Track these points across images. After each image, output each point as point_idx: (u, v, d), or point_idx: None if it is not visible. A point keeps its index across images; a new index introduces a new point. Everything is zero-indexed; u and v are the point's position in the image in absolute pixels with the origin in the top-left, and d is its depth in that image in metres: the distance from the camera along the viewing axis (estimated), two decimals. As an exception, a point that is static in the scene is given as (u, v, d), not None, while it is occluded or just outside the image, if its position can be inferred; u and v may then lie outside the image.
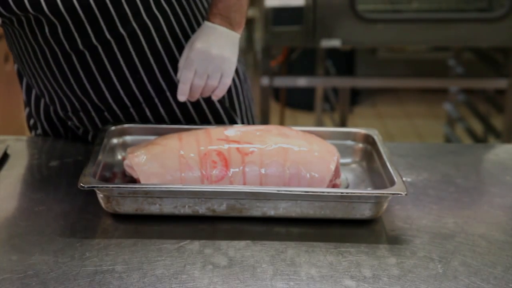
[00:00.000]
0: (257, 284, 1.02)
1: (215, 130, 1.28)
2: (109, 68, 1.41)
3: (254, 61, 4.37)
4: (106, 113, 1.47)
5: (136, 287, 1.00)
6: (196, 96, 1.38)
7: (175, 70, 1.42)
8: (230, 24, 1.38)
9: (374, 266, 1.07)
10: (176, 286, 1.01)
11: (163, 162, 1.21)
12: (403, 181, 1.19)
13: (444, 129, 4.00)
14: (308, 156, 1.23)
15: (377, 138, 1.37)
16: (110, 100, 1.44)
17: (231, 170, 1.20)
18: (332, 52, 3.89)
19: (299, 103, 4.54)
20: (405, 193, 1.15)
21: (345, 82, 3.55)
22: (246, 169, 1.20)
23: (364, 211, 1.18)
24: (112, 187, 1.17)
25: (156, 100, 1.46)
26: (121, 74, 1.41)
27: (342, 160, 1.34)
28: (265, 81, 2.96)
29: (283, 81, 3.18)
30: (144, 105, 1.46)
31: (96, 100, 1.44)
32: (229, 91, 1.51)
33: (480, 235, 1.17)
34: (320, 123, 3.88)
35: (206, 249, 1.10)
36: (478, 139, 3.61)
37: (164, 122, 1.47)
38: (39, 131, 1.60)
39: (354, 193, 1.20)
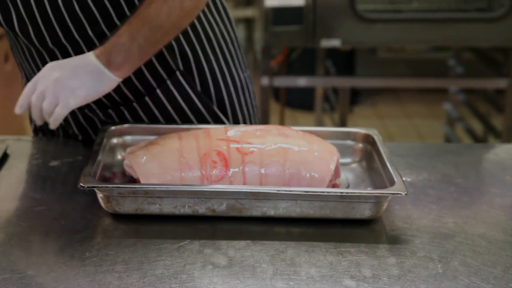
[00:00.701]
0: (257, 284, 1.02)
1: (215, 130, 1.28)
2: None
3: (254, 61, 4.37)
4: (99, 112, 1.47)
5: (136, 287, 1.00)
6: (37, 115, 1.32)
7: (164, 70, 1.44)
8: (107, 61, 1.27)
9: (374, 266, 1.07)
10: (176, 286, 1.01)
11: (163, 162, 1.21)
12: (403, 181, 1.19)
13: (444, 129, 4.00)
14: (308, 156, 1.23)
15: (377, 138, 1.37)
16: (103, 99, 1.44)
17: (231, 170, 1.20)
18: (332, 52, 3.88)
19: (299, 103, 4.54)
20: (405, 193, 1.16)
21: (345, 82, 3.55)
22: (246, 169, 1.20)
23: (364, 211, 1.18)
24: (112, 187, 1.17)
25: (147, 99, 1.46)
26: None
27: (342, 160, 1.34)
28: (265, 81, 2.95)
29: (283, 81, 3.18)
30: (135, 103, 1.46)
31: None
32: (222, 99, 1.52)
33: (480, 235, 1.17)
34: (320, 123, 3.88)
35: (206, 249, 1.10)
36: (478, 139, 3.61)
37: (158, 121, 1.47)
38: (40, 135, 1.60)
39: (354, 193, 1.20)
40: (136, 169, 1.22)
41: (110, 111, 1.47)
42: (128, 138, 1.40)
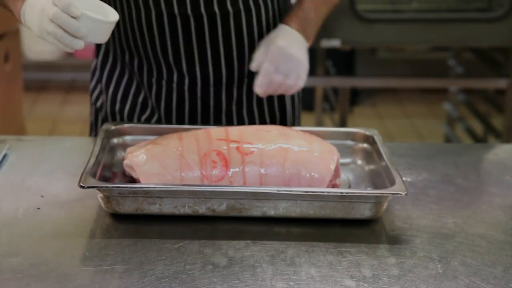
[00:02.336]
0: (257, 284, 1.02)
1: (215, 130, 1.28)
2: (208, 42, 1.44)
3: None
4: (185, 88, 1.49)
5: (136, 287, 1.00)
6: (271, 91, 1.41)
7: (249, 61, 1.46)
8: (304, 35, 1.43)
9: (374, 266, 1.07)
10: (176, 286, 1.01)
11: (163, 162, 1.21)
12: (403, 181, 1.19)
13: (444, 129, 4.00)
14: (308, 156, 1.23)
15: (377, 138, 1.37)
16: (198, 74, 1.47)
17: (231, 170, 1.20)
18: (332, 52, 3.88)
19: (299, 103, 4.53)
20: (405, 193, 1.16)
21: (345, 82, 3.55)
22: (246, 169, 1.20)
23: (364, 211, 1.18)
24: (112, 187, 1.17)
25: (234, 86, 1.49)
26: (216, 50, 1.45)
27: (342, 160, 1.34)
28: (265, 81, 2.95)
29: (283, 81, 3.17)
30: (224, 87, 1.49)
31: (185, 71, 1.47)
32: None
33: (480, 235, 1.17)
34: (320, 123, 3.88)
35: (206, 249, 1.10)
36: (478, 139, 3.61)
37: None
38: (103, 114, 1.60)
39: (354, 193, 1.20)
40: (136, 169, 1.22)
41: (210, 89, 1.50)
42: (128, 138, 1.40)
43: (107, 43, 1.55)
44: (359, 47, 4.23)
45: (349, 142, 1.41)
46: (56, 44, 1.17)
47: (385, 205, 1.19)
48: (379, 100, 4.85)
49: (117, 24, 1.28)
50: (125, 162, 1.26)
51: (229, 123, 1.53)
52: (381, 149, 1.32)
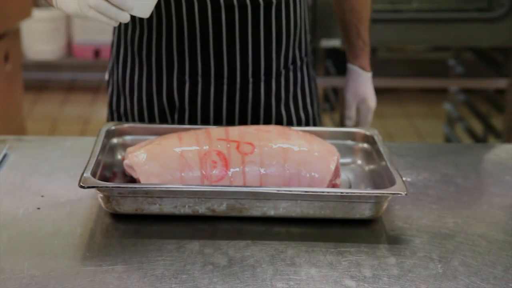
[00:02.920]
0: (257, 284, 1.02)
1: (215, 130, 1.28)
2: (250, 34, 1.44)
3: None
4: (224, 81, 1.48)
5: (136, 287, 1.00)
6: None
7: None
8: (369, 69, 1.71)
9: (374, 266, 1.07)
10: (176, 286, 1.01)
11: (163, 162, 1.21)
12: (403, 181, 1.19)
13: (444, 129, 4.00)
14: (308, 156, 1.23)
15: (377, 138, 1.37)
16: (238, 66, 1.47)
17: (231, 170, 1.20)
18: (332, 52, 3.88)
19: (299, 103, 4.53)
20: (405, 193, 1.15)
21: (345, 82, 3.54)
22: (246, 169, 1.20)
23: (364, 211, 1.18)
24: (112, 187, 1.17)
25: (262, 79, 1.49)
26: (257, 42, 1.45)
27: (342, 160, 1.34)
28: (265, 81, 2.95)
29: (283, 81, 3.17)
30: (261, 81, 1.49)
31: (214, 64, 1.46)
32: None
33: (480, 235, 1.17)
34: (320, 123, 3.87)
35: (206, 249, 1.10)
36: (478, 139, 3.61)
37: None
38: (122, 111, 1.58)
39: (354, 193, 1.20)
40: (136, 169, 1.22)
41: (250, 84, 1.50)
42: (128, 138, 1.40)
43: (126, 44, 1.54)
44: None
45: (349, 142, 1.41)
46: (98, 18, 1.15)
47: (385, 205, 1.19)
48: (379, 100, 4.83)
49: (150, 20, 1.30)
50: (125, 162, 1.26)
51: (267, 119, 1.53)
52: (381, 149, 1.32)
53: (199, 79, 1.48)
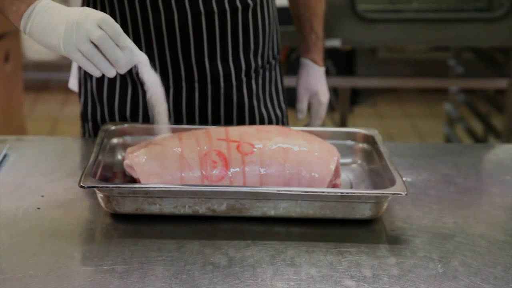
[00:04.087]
0: (257, 284, 1.02)
1: (215, 130, 1.28)
2: (229, 37, 1.46)
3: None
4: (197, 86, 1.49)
5: (136, 287, 1.00)
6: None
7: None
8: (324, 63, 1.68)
9: (374, 266, 1.07)
10: (176, 286, 1.01)
11: (163, 162, 1.21)
12: (403, 181, 1.19)
13: (444, 129, 4.00)
14: (308, 156, 1.23)
15: (377, 138, 1.37)
16: (220, 71, 1.48)
17: (231, 170, 1.20)
18: (332, 52, 3.88)
19: (299, 103, 4.53)
20: (405, 193, 1.15)
21: (345, 82, 3.55)
22: (246, 169, 1.20)
23: (364, 211, 1.18)
24: (112, 187, 1.17)
25: (244, 81, 1.52)
26: (236, 45, 1.47)
27: (342, 160, 1.34)
28: (265, 81, 2.95)
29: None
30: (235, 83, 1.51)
31: (197, 70, 1.47)
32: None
33: (480, 235, 1.17)
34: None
35: (206, 249, 1.10)
36: (478, 139, 3.61)
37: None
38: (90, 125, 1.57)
39: (354, 193, 1.20)
40: (136, 169, 1.22)
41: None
42: (128, 138, 1.40)
43: None
44: (359, 47, 4.23)
45: (349, 142, 1.41)
46: (84, 65, 1.12)
47: (385, 205, 1.19)
48: (379, 100, 4.85)
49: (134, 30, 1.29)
50: (125, 162, 1.26)
51: (252, 120, 1.55)
52: (381, 149, 1.32)
53: (183, 84, 1.49)
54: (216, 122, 1.52)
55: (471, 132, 3.68)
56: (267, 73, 1.57)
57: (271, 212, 1.18)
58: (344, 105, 3.73)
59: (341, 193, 1.17)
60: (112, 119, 1.54)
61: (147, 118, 1.49)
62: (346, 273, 1.05)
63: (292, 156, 1.22)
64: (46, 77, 5.07)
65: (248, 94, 1.53)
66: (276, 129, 1.29)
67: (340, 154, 1.28)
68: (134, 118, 1.52)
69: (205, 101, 1.51)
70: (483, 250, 1.13)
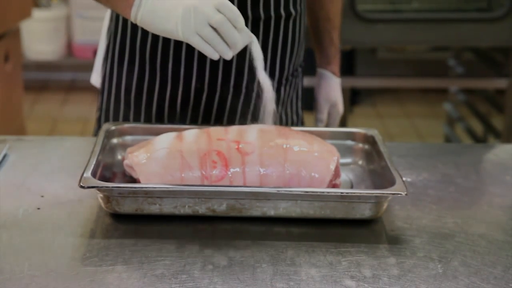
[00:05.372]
0: (257, 284, 1.02)
1: (215, 130, 1.28)
2: (270, 44, 1.49)
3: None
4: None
5: (136, 287, 1.00)
6: None
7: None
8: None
9: (374, 266, 1.07)
10: (176, 286, 1.01)
11: (163, 162, 1.21)
12: (403, 181, 1.19)
13: (444, 129, 4.00)
14: (308, 156, 1.23)
15: (377, 138, 1.37)
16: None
17: (231, 170, 1.20)
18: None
19: (299, 103, 4.53)
20: (405, 193, 1.15)
21: (345, 82, 3.53)
22: (246, 169, 1.20)
23: (364, 211, 1.18)
24: (112, 187, 1.17)
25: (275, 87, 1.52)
26: (275, 53, 1.50)
27: (342, 160, 1.34)
28: (265, 81, 2.95)
29: (283, 81, 3.17)
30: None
31: (235, 75, 1.49)
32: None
33: (480, 235, 1.17)
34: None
35: (206, 249, 1.10)
36: (478, 139, 3.61)
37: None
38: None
39: (354, 193, 1.20)
40: (136, 169, 1.22)
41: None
42: (128, 138, 1.40)
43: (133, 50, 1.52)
44: (359, 47, 4.23)
45: (349, 142, 1.41)
46: (203, 47, 1.14)
47: (385, 205, 1.19)
48: (379, 100, 4.85)
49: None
50: (125, 162, 1.26)
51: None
52: (381, 149, 1.32)
53: (218, 88, 1.49)
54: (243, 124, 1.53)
55: (471, 132, 3.68)
56: (294, 80, 1.60)
57: (271, 212, 1.18)
58: (344, 105, 3.73)
59: (341, 193, 1.17)
60: (137, 120, 1.54)
61: (173, 118, 1.51)
62: (346, 273, 1.05)
63: (292, 156, 1.22)
64: (46, 77, 5.07)
65: (276, 100, 1.53)
66: (276, 129, 1.29)
67: (340, 154, 1.28)
68: (159, 119, 1.52)
69: (236, 105, 1.52)
70: (483, 250, 1.13)
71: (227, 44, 1.15)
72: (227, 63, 1.46)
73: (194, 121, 1.51)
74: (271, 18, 1.46)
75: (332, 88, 1.71)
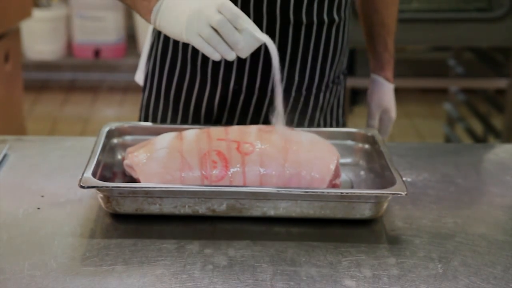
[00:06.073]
0: (257, 284, 1.02)
1: (215, 130, 1.28)
2: (311, 48, 1.49)
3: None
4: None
5: (136, 287, 1.00)
6: None
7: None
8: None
9: (374, 266, 1.07)
10: (176, 286, 1.01)
11: (163, 162, 1.21)
12: (403, 181, 1.19)
13: (444, 129, 3.99)
14: (308, 156, 1.23)
15: (377, 138, 1.37)
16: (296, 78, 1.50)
17: (231, 170, 1.20)
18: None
19: (299, 103, 4.53)
20: (405, 193, 1.15)
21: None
22: (246, 169, 1.20)
23: (364, 211, 1.18)
24: (112, 187, 1.17)
25: (313, 93, 1.54)
26: (316, 58, 1.51)
27: (342, 160, 1.34)
28: (265, 81, 2.95)
29: (283, 81, 3.17)
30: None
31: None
32: None
33: (480, 235, 1.17)
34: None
35: (206, 249, 1.10)
36: (478, 139, 3.61)
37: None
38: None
39: (354, 193, 1.20)
40: (136, 169, 1.22)
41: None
42: (128, 138, 1.40)
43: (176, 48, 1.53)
44: (359, 47, 4.22)
45: (349, 142, 1.41)
46: (204, 48, 1.17)
47: (385, 205, 1.19)
48: (379, 100, 4.85)
49: None
50: (125, 162, 1.26)
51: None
52: (381, 149, 1.32)
53: (256, 91, 1.50)
54: None
55: (471, 132, 3.68)
56: (335, 87, 1.59)
57: (271, 212, 1.18)
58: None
59: (341, 193, 1.17)
60: (174, 119, 1.55)
61: (209, 119, 1.52)
62: (346, 273, 1.05)
63: (292, 156, 1.22)
64: (46, 77, 5.07)
65: (314, 105, 1.55)
66: (276, 129, 1.29)
67: (340, 154, 1.28)
68: (196, 119, 1.54)
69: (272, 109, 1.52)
70: (483, 250, 1.13)
71: (229, 45, 1.16)
72: (266, 68, 1.46)
73: (229, 123, 1.52)
74: (313, 23, 1.46)
75: (385, 93, 1.70)
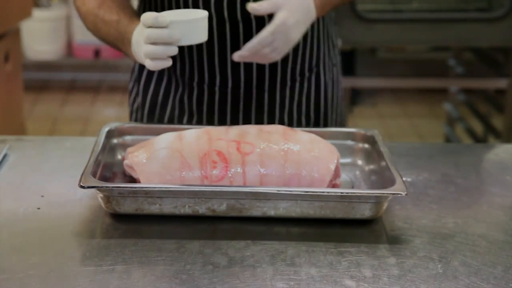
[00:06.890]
0: (257, 284, 1.02)
1: (215, 130, 1.28)
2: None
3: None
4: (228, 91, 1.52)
5: (136, 287, 1.00)
6: (249, 59, 1.35)
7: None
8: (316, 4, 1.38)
9: (374, 266, 1.07)
10: (176, 286, 1.01)
11: (163, 162, 1.21)
12: (403, 181, 1.19)
13: (444, 129, 3.99)
14: (308, 156, 1.23)
15: (377, 138, 1.37)
16: (242, 78, 1.50)
17: (231, 170, 1.20)
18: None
19: (299, 103, 4.53)
20: (405, 193, 1.15)
21: (345, 82, 3.53)
22: (246, 169, 1.20)
23: (364, 211, 1.18)
24: (112, 187, 1.17)
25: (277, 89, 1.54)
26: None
27: (342, 160, 1.34)
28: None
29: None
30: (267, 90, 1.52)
31: (229, 75, 1.50)
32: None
33: (480, 235, 1.17)
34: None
35: (206, 249, 1.10)
36: (478, 139, 3.61)
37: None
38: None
39: (354, 193, 1.20)
40: (136, 169, 1.22)
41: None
42: (128, 138, 1.40)
43: None
44: (359, 47, 4.22)
45: (349, 142, 1.41)
46: (154, 65, 1.21)
47: (385, 205, 1.19)
48: (379, 100, 4.85)
49: None
50: (125, 162, 1.26)
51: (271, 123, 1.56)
52: (381, 149, 1.32)
53: (216, 89, 1.52)
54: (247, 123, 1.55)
55: (471, 132, 3.68)
56: (297, 84, 1.56)
57: (271, 212, 1.18)
58: (344, 105, 3.73)
59: (341, 193, 1.17)
60: (151, 120, 1.58)
61: (223, 119, 1.54)
62: (346, 273, 1.05)
63: (292, 156, 1.22)
64: (46, 77, 5.07)
65: (270, 102, 1.55)
66: (276, 129, 1.29)
67: (340, 154, 1.28)
68: (210, 119, 1.55)
69: (237, 106, 1.54)
70: (483, 250, 1.13)
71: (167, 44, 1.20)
72: (260, 65, 1.48)
73: (246, 123, 1.53)
74: (264, 20, 1.45)
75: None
